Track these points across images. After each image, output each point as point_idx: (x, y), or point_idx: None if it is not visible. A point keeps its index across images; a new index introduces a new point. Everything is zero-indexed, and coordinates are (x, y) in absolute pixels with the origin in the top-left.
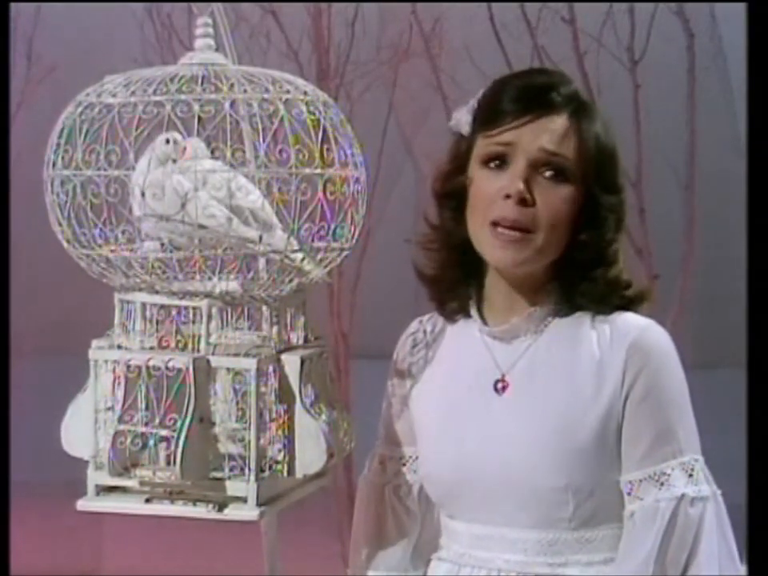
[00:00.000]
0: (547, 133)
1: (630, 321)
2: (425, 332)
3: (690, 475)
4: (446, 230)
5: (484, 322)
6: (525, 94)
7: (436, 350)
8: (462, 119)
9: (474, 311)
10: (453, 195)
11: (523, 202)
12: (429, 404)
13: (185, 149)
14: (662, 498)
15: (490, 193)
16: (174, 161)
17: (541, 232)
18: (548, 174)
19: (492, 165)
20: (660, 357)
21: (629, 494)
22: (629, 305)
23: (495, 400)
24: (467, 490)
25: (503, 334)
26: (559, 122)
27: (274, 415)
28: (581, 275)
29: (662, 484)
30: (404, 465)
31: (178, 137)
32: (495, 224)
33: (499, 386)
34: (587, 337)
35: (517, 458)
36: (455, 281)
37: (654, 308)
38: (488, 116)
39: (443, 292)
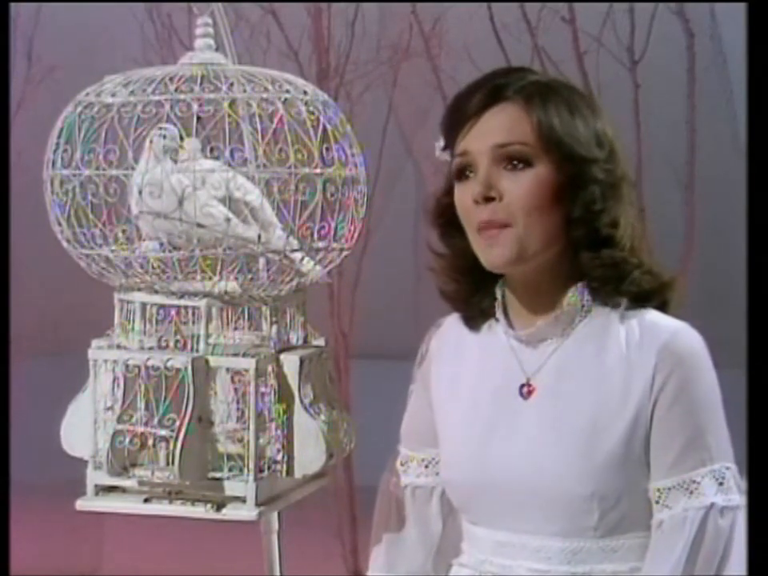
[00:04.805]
0: (497, 126)
1: (661, 323)
2: (446, 333)
3: (721, 483)
4: (454, 254)
5: (509, 324)
6: (471, 98)
7: (458, 352)
8: (440, 143)
9: (500, 314)
10: (448, 219)
11: (489, 199)
12: (452, 407)
13: (182, 147)
14: (691, 507)
15: (466, 203)
16: (175, 151)
17: (518, 222)
18: (510, 165)
19: (463, 177)
20: (692, 361)
21: (657, 502)
22: (648, 297)
23: (520, 405)
24: (490, 496)
25: (529, 337)
26: (509, 111)
27: (273, 415)
28: (589, 259)
29: (691, 492)
30: (426, 467)
31: (172, 128)
32: (480, 230)
33: (524, 390)
34: (616, 339)
35: (542, 465)
36: (476, 296)
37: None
38: (444, 135)
39: (467, 308)
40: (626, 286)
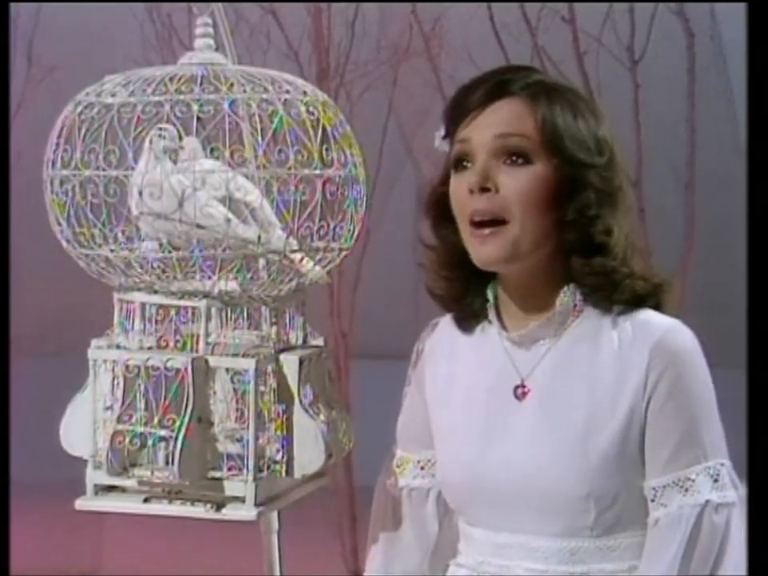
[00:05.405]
0: (500, 119)
1: (653, 321)
2: (440, 335)
3: (716, 480)
4: (446, 248)
5: (503, 326)
6: (476, 90)
7: (452, 354)
8: (441, 132)
9: (492, 315)
10: (441, 209)
11: (485, 190)
12: (447, 408)
13: (182, 147)
14: (686, 504)
15: (461, 193)
16: (175, 151)
17: (514, 220)
18: (509, 160)
19: (460, 167)
20: (685, 358)
21: (653, 500)
22: (642, 301)
23: (515, 406)
24: (487, 497)
25: (522, 338)
26: (513, 106)
27: (272, 415)
28: (581, 265)
29: (686, 490)
30: (422, 468)
31: (171, 128)
32: (473, 223)
33: (519, 391)
34: (608, 338)
35: (538, 466)
36: (466, 296)
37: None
38: (450, 120)
39: (456, 308)
40: (617, 294)
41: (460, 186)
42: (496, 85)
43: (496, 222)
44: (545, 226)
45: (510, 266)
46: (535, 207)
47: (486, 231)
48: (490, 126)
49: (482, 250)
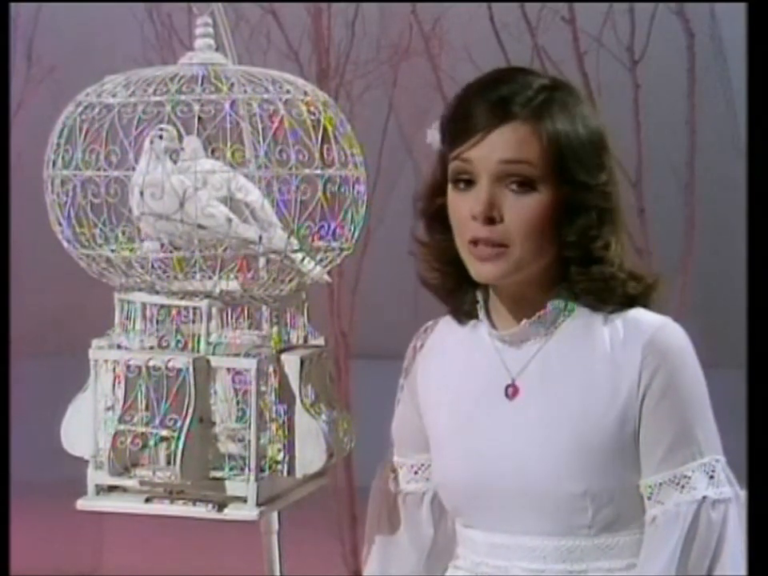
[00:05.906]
0: (505, 143)
1: (644, 319)
2: (430, 339)
3: (711, 477)
4: (439, 247)
5: (493, 325)
6: (476, 109)
7: (443, 356)
8: (436, 137)
9: (482, 314)
10: (436, 216)
11: (490, 220)
12: (440, 411)
13: (182, 148)
14: (683, 501)
15: (462, 214)
16: (175, 151)
17: (515, 245)
18: (514, 186)
19: (461, 186)
20: (677, 355)
21: (649, 498)
22: (634, 301)
23: (506, 406)
24: (482, 498)
25: (512, 337)
26: (518, 129)
27: (273, 415)
28: (578, 273)
29: (682, 487)
30: (416, 473)
31: (171, 128)
32: (472, 242)
33: (509, 390)
34: (600, 337)
35: (531, 465)
36: (458, 289)
37: (654, 308)
38: (449, 135)
39: (448, 299)
40: (612, 297)
41: (461, 208)
42: (497, 105)
43: (497, 245)
44: (546, 245)
45: (507, 280)
46: (538, 233)
47: (486, 253)
48: (493, 151)
49: (482, 268)
